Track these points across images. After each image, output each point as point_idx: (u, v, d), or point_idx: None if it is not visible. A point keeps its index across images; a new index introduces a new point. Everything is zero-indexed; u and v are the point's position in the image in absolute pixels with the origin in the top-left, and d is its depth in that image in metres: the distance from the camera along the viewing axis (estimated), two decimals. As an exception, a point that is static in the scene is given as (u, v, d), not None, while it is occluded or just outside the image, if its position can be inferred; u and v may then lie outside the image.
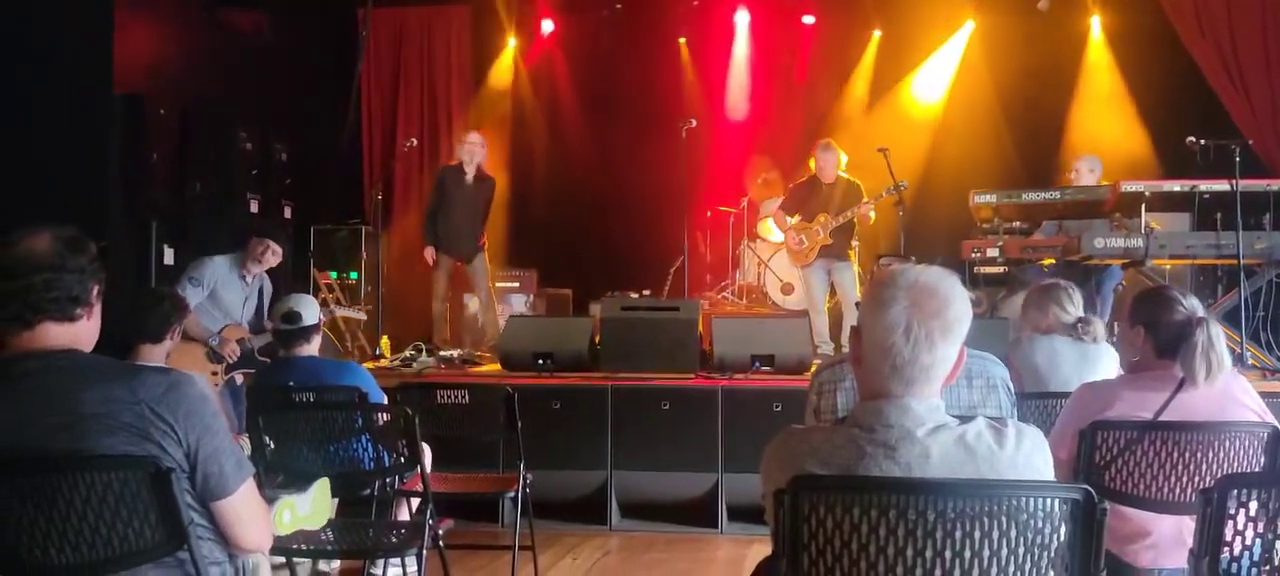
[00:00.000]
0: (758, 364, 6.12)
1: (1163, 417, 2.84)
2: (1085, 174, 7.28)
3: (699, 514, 5.79)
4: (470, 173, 7.86)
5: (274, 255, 5.97)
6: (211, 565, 2.20)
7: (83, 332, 2.19)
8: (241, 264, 5.92)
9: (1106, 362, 4.07)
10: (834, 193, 7.64)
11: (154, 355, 4.01)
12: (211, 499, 2.18)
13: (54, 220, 2.19)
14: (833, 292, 7.91)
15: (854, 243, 7.96)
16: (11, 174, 6.18)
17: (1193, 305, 2.98)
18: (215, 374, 5.60)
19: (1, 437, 2.05)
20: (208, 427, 2.15)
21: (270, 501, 2.82)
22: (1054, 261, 6.71)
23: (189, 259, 6.19)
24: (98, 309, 2.23)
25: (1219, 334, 2.89)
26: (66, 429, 2.05)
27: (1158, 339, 2.97)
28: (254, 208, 7.80)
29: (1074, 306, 4.25)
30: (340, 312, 7.31)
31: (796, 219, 7.85)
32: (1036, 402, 3.73)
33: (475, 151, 7.90)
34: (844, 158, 7.72)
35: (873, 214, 7.62)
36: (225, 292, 5.85)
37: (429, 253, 7.89)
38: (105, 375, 2.11)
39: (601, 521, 5.83)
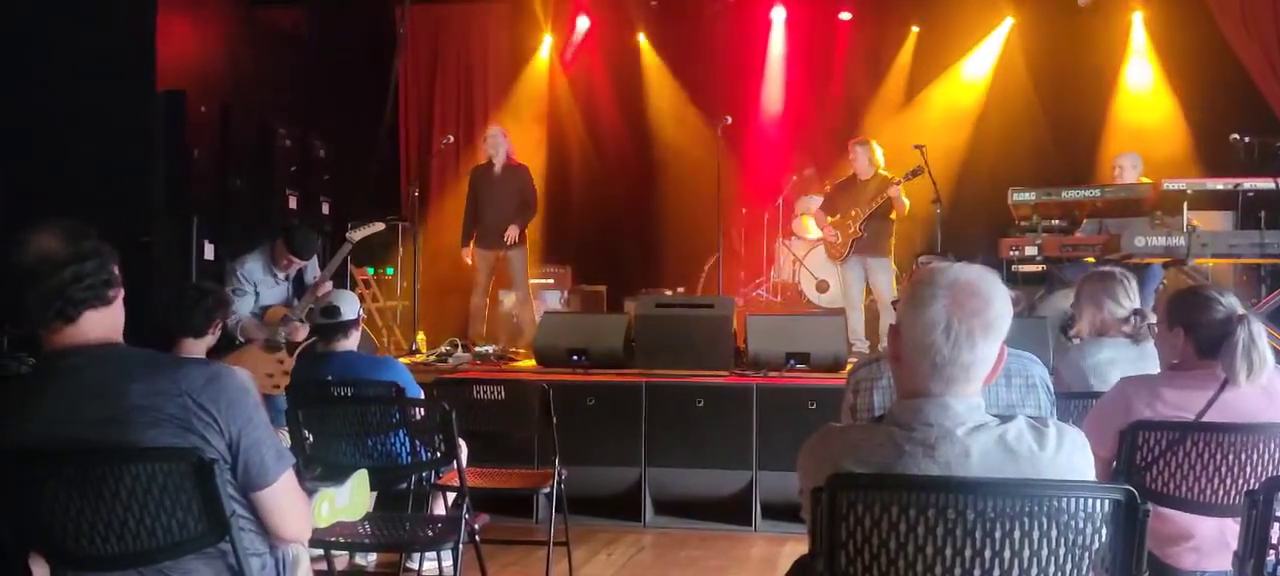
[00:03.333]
0: (792, 361, 6.11)
1: (1206, 418, 2.81)
2: (1128, 171, 7.21)
3: (733, 511, 5.79)
4: (499, 165, 7.96)
5: (295, 267, 6.01)
6: (252, 556, 2.23)
7: (117, 316, 2.22)
8: (273, 261, 5.95)
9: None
10: (868, 188, 7.60)
11: (195, 349, 4.11)
12: (252, 489, 2.21)
13: (98, 216, 2.23)
14: (869, 291, 7.87)
15: (891, 239, 7.90)
16: (56, 171, 6.28)
17: (1232, 303, 2.92)
18: (281, 361, 5.56)
19: (49, 429, 2.09)
20: (249, 419, 2.18)
21: (309, 494, 2.85)
22: (1094, 260, 6.63)
23: (229, 254, 6.26)
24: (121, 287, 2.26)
25: (1261, 331, 2.82)
26: (112, 421, 2.08)
27: (1198, 339, 2.92)
28: (293, 203, 7.85)
29: (1129, 299, 3.97)
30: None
31: (836, 216, 7.83)
32: (1077, 403, 3.66)
33: (499, 143, 8.03)
34: (880, 154, 7.67)
35: (907, 200, 7.52)
36: (264, 293, 5.91)
37: (466, 252, 8.00)
38: (149, 368, 2.14)
39: (635, 518, 5.83)
